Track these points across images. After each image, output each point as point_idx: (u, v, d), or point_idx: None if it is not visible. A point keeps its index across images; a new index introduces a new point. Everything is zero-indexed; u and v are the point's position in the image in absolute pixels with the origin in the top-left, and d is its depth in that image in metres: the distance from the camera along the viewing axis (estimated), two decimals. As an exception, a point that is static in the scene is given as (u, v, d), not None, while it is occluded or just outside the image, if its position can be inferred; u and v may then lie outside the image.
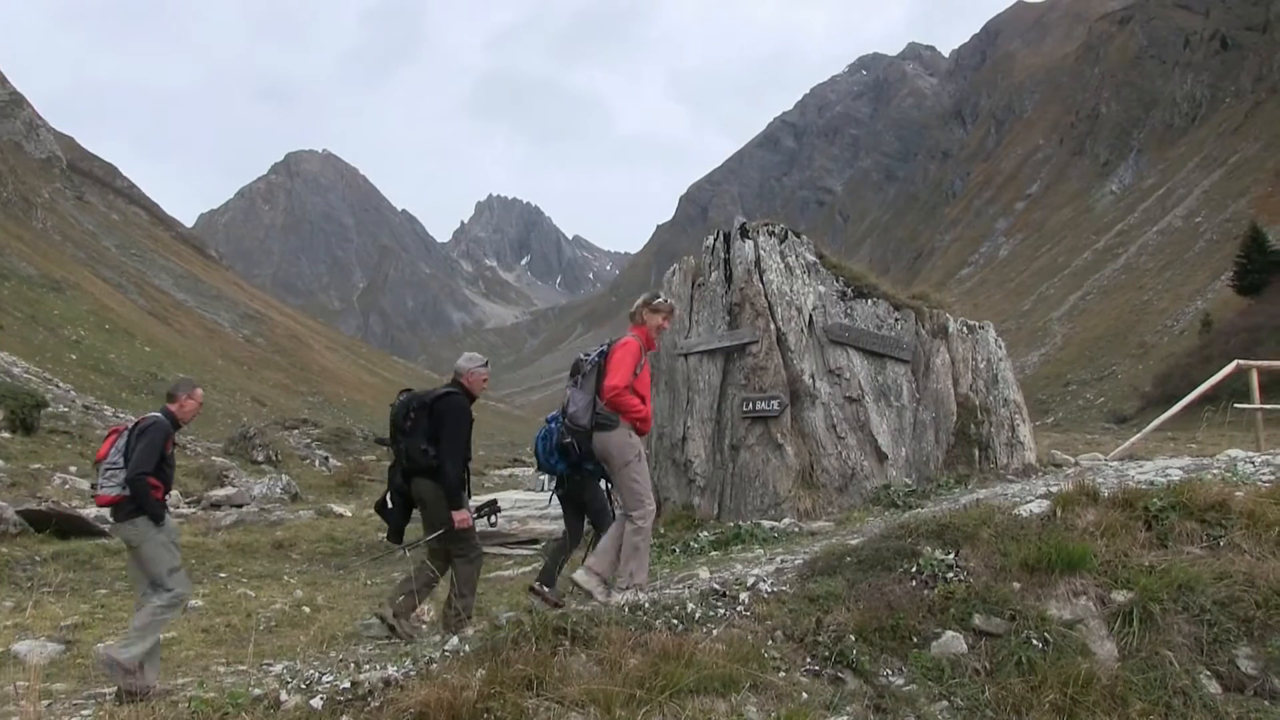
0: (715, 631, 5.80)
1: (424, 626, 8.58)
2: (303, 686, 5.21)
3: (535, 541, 13.47)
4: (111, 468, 6.99)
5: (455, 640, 5.81)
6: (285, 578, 12.71)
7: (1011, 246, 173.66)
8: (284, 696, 4.98)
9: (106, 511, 7.73)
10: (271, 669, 6.57)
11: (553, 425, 8.42)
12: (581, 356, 7.80)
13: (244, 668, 7.25)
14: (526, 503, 14.28)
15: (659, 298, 7.87)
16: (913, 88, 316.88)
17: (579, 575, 7.27)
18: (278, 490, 18.87)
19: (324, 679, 5.32)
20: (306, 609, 10.54)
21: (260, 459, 24.20)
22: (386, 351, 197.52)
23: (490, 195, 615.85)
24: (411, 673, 5.16)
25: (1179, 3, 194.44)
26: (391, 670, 5.25)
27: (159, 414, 7.31)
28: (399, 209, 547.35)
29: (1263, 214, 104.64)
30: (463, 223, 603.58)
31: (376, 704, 4.81)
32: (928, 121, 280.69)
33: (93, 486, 7.00)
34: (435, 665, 5.25)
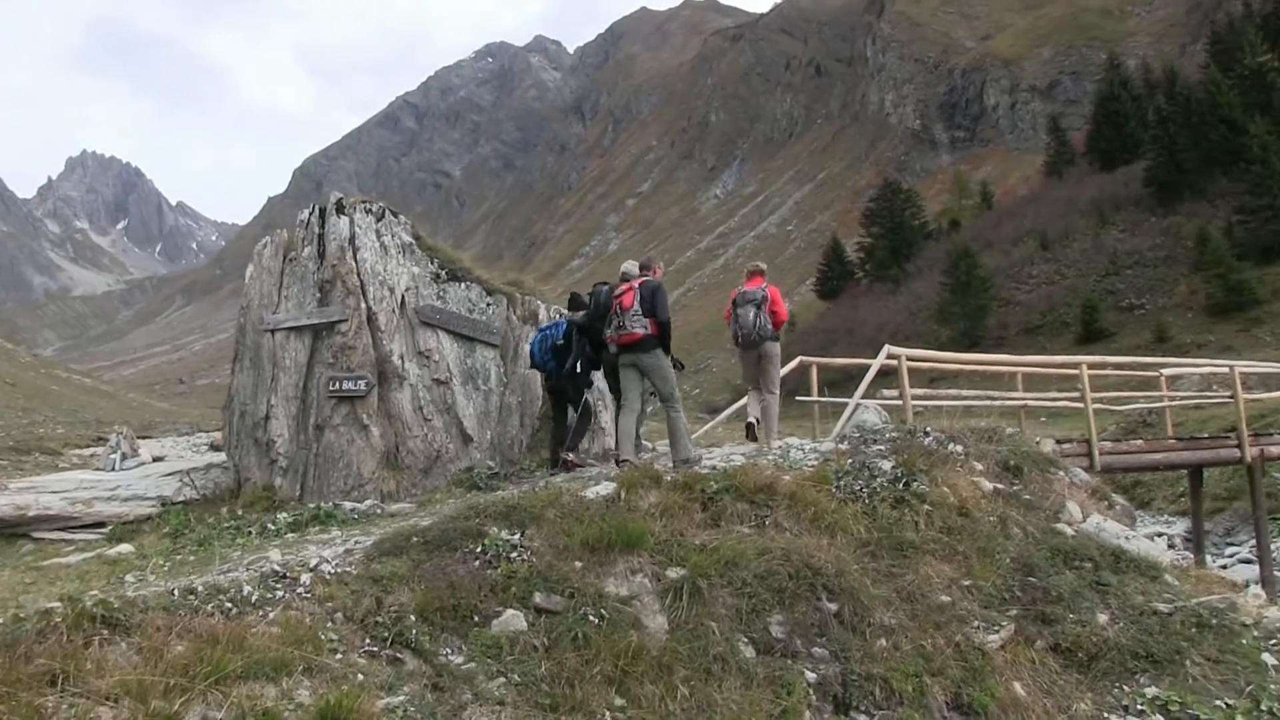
0: (272, 614, 5.60)
1: None
2: None
3: (101, 525, 12.51)
4: (635, 315, 9.69)
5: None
6: None
7: (621, 241, 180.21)
8: None
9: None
10: None
11: (548, 332, 11.09)
12: (757, 291, 11.46)
13: None
14: (94, 483, 13.20)
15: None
16: (536, 80, 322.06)
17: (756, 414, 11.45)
18: None
19: None
20: None
21: None
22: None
23: (84, 151, 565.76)
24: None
25: (783, 28, 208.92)
26: None
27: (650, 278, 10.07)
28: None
29: (842, 227, 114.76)
30: (50, 179, 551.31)
31: None
32: (549, 114, 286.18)
33: (617, 328, 9.86)
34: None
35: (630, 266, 10.78)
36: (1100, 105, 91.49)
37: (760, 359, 11.54)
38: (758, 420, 11.41)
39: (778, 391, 11.59)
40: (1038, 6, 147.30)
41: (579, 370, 10.88)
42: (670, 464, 9.48)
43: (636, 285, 9.90)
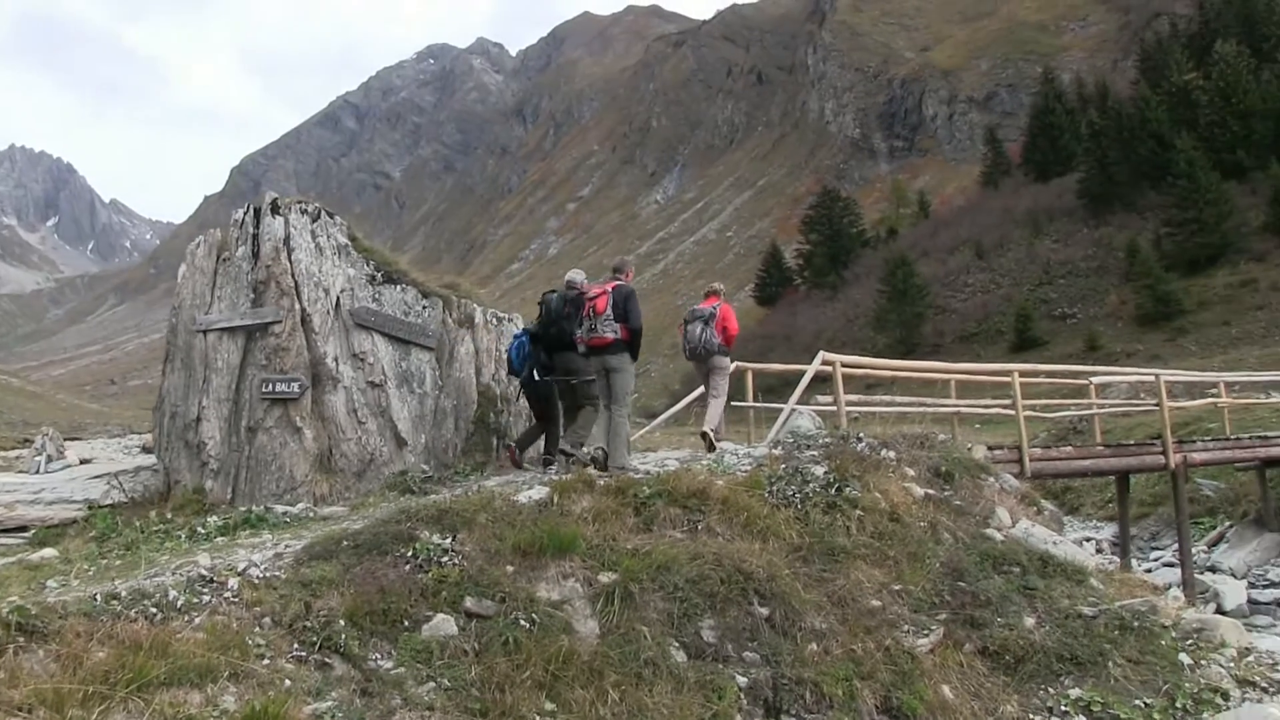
0: (198, 619, 5.52)
1: None
2: None
3: (24, 529, 12.24)
4: (607, 319, 9.97)
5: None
6: None
7: (561, 245, 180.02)
8: None
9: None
10: None
11: (523, 339, 11.37)
12: (706, 309, 11.88)
13: None
14: (17, 486, 12.93)
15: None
16: (478, 82, 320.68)
17: (707, 429, 11.38)
18: None
19: None
20: None
21: None
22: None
23: (13, 145, 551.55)
24: None
25: (725, 35, 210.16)
26: None
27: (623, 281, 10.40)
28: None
29: (782, 234, 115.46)
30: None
31: None
32: (490, 117, 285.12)
33: (589, 330, 10.15)
34: None
35: (575, 275, 11.32)
36: (1035, 118, 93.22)
37: (710, 371, 11.98)
38: (714, 432, 11.67)
39: (722, 395, 12.00)
40: (976, 19, 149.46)
41: (535, 378, 11.16)
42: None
43: (610, 289, 10.23)
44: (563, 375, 11.18)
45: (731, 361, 12.96)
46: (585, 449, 10.18)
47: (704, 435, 11.51)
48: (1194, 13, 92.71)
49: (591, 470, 9.36)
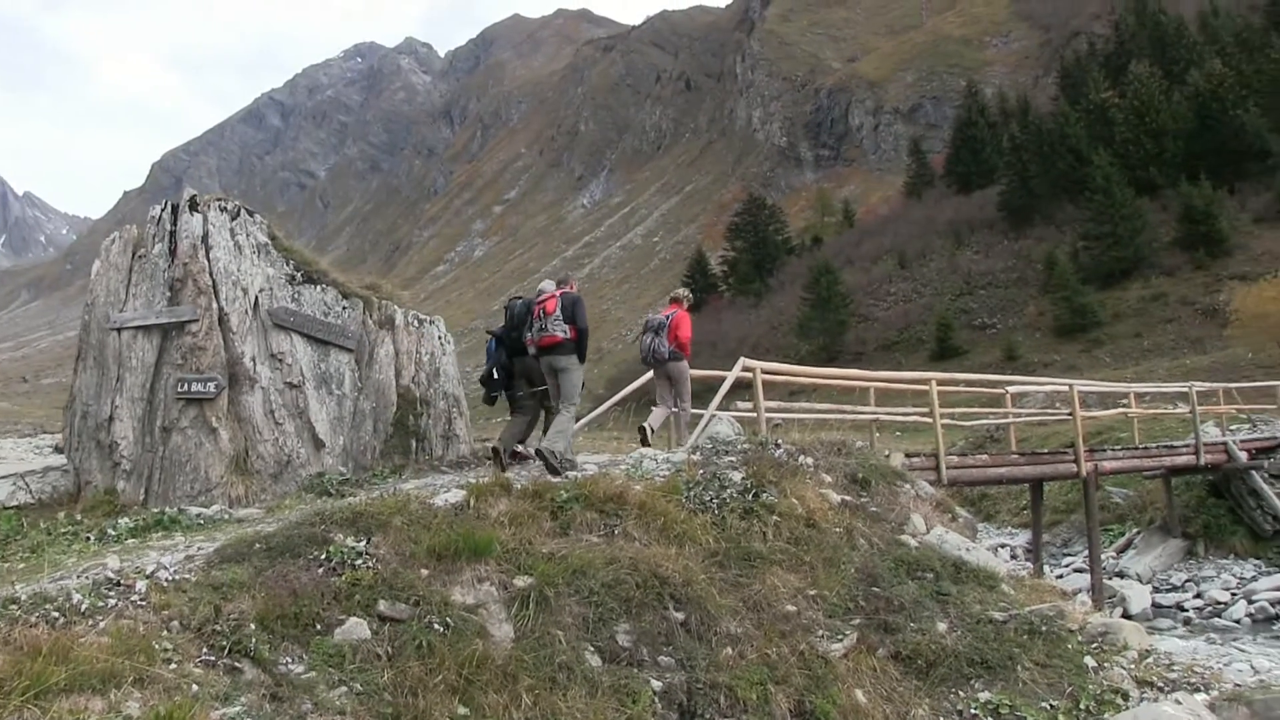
0: (103, 623, 5.40)
1: None
2: None
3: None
4: (557, 320, 10.53)
5: None
6: None
7: (487, 248, 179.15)
8: None
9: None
10: None
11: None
12: (659, 318, 12.89)
13: None
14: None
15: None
16: (405, 82, 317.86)
17: (652, 423, 12.37)
18: None
19: None
20: None
21: None
22: None
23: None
24: None
25: (654, 41, 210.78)
26: None
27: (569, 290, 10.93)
28: None
29: (707, 240, 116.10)
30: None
31: None
32: (417, 117, 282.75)
33: (539, 330, 10.71)
34: None
35: (547, 284, 11.76)
36: (959, 130, 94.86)
37: (667, 377, 12.75)
38: (651, 428, 12.26)
39: (688, 405, 12.80)
40: (902, 32, 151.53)
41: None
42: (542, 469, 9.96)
43: (559, 294, 10.89)
44: (522, 377, 11.69)
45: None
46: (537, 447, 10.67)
47: (641, 429, 12.21)
48: (1110, 33, 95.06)
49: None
